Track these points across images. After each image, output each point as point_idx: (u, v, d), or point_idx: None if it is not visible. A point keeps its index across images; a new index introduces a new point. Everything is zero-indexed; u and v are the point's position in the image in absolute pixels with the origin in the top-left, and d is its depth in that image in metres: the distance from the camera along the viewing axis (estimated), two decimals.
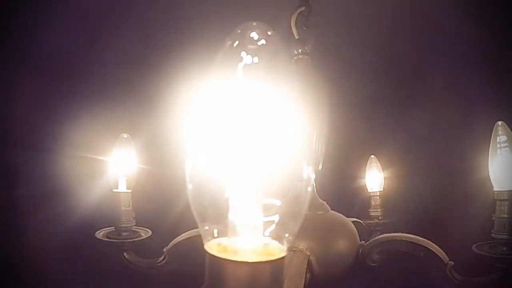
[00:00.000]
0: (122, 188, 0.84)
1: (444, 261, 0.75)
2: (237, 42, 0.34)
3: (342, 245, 0.78)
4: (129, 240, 0.82)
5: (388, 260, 0.81)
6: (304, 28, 0.82)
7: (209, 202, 0.34)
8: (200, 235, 0.35)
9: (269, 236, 0.33)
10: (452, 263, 0.74)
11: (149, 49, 1.31)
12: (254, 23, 0.34)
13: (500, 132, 0.74)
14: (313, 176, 0.35)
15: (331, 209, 0.84)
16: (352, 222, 0.87)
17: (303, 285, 0.61)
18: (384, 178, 1.22)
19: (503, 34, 1.21)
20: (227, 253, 0.32)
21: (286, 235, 0.34)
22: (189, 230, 0.83)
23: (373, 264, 0.80)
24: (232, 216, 0.33)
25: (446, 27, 1.27)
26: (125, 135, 0.88)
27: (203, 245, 0.34)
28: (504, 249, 0.70)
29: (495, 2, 1.19)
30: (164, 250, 0.83)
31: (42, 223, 1.18)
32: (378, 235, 0.87)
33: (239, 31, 0.34)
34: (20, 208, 1.22)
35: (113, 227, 0.84)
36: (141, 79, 1.31)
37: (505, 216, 0.70)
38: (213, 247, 0.33)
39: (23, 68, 1.23)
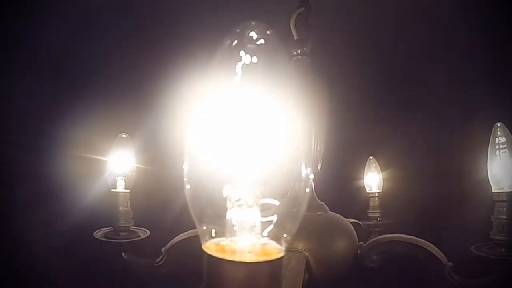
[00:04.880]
0: (121, 188, 0.84)
1: (442, 262, 0.75)
2: (236, 42, 0.34)
3: (340, 246, 0.78)
4: (127, 240, 0.82)
5: (386, 261, 0.81)
6: (304, 29, 0.82)
7: (207, 202, 0.34)
8: (198, 235, 0.35)
9: (267, 236, 0.33)
10: (451, 264, 0.74)
11: (148, 48, 1.31)
12: (253, 23, 0.34)
13: (499, 133, 0.74)
14: (311, 177, 0.35)
15: (330, 210, 0.84)
16: (351, 223, 0.87)
17: (301, 286, 0.61)
18: (383, 179, 1.22)
19: (503, 34, 1.21)
20: (225, 253, 0.32)
21: (285, 235, 0.34)
22: (187, 230, 0.82)
23: (371, 265, 0.80)
24: (230, 216, 0.33)
25: (446, 27, 1.27)
26: (123, 135, 0.88)
27: (201, 245, 0.34)
28: (503, 250, 0.69)
29: (495, 3, 1.19)
30: (163, 250, 0.83)
31: (41, 223, 1.18)
32: (376, 236, 0.87)
33: (238, 30, 0.34)
34: (19, 208, 1.21)
35: (111, 227, 0.84)
36: (140, 79, 1.31)
37: (504, 217, 0.70)
38: (211, 247, 0.33)
39: (23, 68, 1.23)
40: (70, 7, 1.21)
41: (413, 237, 0.79)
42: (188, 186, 0.34)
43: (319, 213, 0.81)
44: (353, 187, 1.27)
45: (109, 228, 0.85)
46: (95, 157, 0.96)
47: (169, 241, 0.84)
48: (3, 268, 1.15)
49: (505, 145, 0.73)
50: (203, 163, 0.35)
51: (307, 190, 0.35)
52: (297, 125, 0.36)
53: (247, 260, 0.31)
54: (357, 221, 1.01)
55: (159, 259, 0.83)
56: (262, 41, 0.34)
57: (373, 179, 1.23)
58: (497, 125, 0.75)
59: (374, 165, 1.24)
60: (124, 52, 1.29)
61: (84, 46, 1.28)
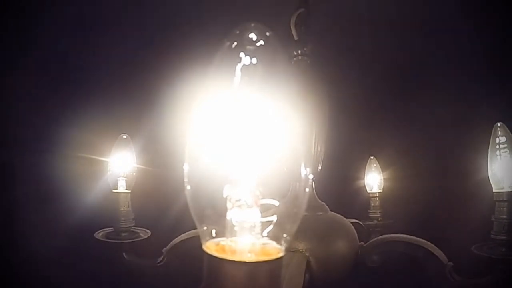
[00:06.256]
0: (122, 188, 0.85)
1: (443, 262, 0.75)
2: (235, 43, 0.34)
3: (341, 246, 0.78)
4: (128, 241, 0.82)
5: (387, 261, 0.81)
6: (303, 29, 0.82)
7: (207, 202, 0.34)
8: (199, 236, 0.35)
9: (267, 236, 0.34)
10: (451, 264, 0.74)
11: (149, 49, 1.32)
12: (253, 24, 0.34)
13: (499, 133, 0.74)
14: (311, 177, 0.35)
15: (331, 210, 0.84)
16: (352, 223, 0.87)
17: (302, 286, 0.61)
18: (384, 179, 1.22)
19: (503, 34, 1.21)
20: (225, 253, 0.32)
21: (284, 235, 0.34)
22: (188, 231, 0.83)
23: (372, 265, 0.80)
24: (230, 217, 0.33)
25: (446, 27, 1.27)
26: (124, 136, 0.88)
27: (201, 245, 0.34)
28: (503, 250, 0.69)
29: (496, 2, 1.19)
30: (163, 250, 0.83)
31: (42, 223, 1.18)
32: (377, 236, 0.87)
33: (237, 32, 0.35)
34: (20, 208, 1.22)
35: (112, 228, 0.84)
36: (140, 80, 1.31)
37: (504, 217, 0.70)
38: (211, 247, 0.33)
39: (23, 68, 1.24)
40: (71, 8, 1.21)
41: (414, 237, 0.79)
42: (188, 187, 0.35)
43: (319, 213, 0.81)
44: (354, 187, 1.27)
45: (110, 228, 0.85)
46: (96, 157, 0.96)
47: (170, 241, 0.84)
48: (5, 268, 1.15)
49: (505, 145, 0.73)
50: (203, 163, 0.35)
51: (307, 190, 0.35)
52: (297, 125, 0.36)
53: (247, 260, 0.31)
54: (357, 221, 1.01)
55: (160, 259, 0.83)
56: (261, 42, 0.34)
57: (373, 179, 1.23)
58: (497, 125, 0.75)
59: (374, 165, 1.24)
60: (125, 53, 1.29)
61: (85, 47, 1.29)
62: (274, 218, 0.33)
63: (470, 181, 0.92)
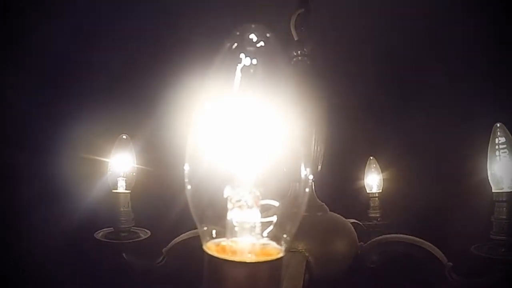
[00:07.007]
0: (121, 188, 0.85)
1: (442, 262, 0.75)
2: (236, 44, 0.35)
3: (341, 246, 0.78)
4: (128, 241, 0.82)
5: (386, 262, 0.81)
6: (303, 30, 0.83)
7: (207, 202, 0.34)
8: (199, 236, 0.35)
9: (267, 236, 0.34)
10: (451, 264, 0.74)
11: (149, 50, 1.32)
12: (253, 25, 0.34)
13: (499, 133, 0.74)
14: (311, 177, 0.35)
15: (330, 210, 0.84)
16: (351, 223, 0.87)
17: (302, 286, 0.62)
18: (383, 179, 1.23)
19: (502, 34, 1.21)
20: (226, 253, 0.32)
21: (284, 235, 0.34)
22: (188, 231, 0.83)
23: (371, 266, 0.80)
24: (230, 217, 0.33)
25: (445, 28, 1.27)
26: (124, 136, 0.88)
27: (201, 245, 0.34)
28: (503, 250, 0.70)
29: (495, 2, 1.19)
30: (163, 250, 0.83)
31: (42, 223, 1.18)
32: (377, 236, 0.87)
33: (238, 33, 0.35)
34: (19, 208, 1.22)
35: (112, 228, 0.84)
36: (141, 80, 1.31)
37: (504, 217, 0.70)
38: (211, 247, 0.33)
39: (23, 68, 1.24)
40: (72, 8, 1.21)
41: (413, 237, 0.79)
42: (189, 187, 0.35)
43: (319, 214, 0.82)
44: (354, 188, 1.27)
45: (110, 228, 0.85)
46: (96, 158, 0.96)
47: (170, 241, 0.84)
48: (4, 267, 1.15)
49: (504, 145, 0.73)
50: (204, 164, 0.35)
51: (307, 190, 0.35)
52: (297, 126, 0.36)
53: (247, 260, 0.31)
54: (357, 221, 1.01)
55: (160, 259, 0.83)
56: (261, 43, 0.34)
57: (373, 180, 1.23)
58: (497, 125, 0.75)
59: (374, 165, 1.25)
60: (125, 53, 1.29)
61: (86, 47, 1.29)
62: (274, 219, 0.34)
63: (469, 181, 0.92)
